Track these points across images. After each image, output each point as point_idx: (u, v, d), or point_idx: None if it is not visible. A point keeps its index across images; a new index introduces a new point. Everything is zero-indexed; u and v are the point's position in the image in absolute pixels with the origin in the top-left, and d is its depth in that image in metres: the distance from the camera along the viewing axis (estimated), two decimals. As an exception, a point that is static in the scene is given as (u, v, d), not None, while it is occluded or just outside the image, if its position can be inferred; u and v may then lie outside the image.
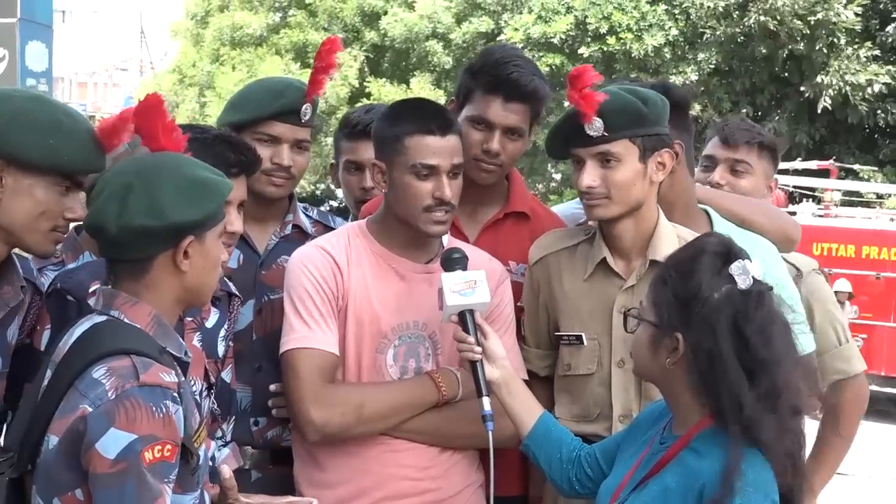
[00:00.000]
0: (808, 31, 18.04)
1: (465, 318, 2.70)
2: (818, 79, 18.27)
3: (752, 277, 2.27)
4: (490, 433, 2.65)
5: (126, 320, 2.21)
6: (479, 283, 2.70)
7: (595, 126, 2.80)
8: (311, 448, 2.88)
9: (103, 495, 2.04)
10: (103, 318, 2.22)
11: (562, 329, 3.01)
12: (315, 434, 2.80)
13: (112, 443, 2.03)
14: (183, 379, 2.23)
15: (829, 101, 18.15)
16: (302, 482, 2.94)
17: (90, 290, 2.54)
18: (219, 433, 2.86)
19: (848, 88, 18.01)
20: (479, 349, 2.67)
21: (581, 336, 2.95)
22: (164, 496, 2.06)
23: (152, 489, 2.04)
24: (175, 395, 2.11)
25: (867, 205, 16.72)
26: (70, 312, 2.53)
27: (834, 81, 18.00)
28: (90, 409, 2.06)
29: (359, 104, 9.96)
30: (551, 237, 3.11)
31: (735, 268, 2.26)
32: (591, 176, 2.84)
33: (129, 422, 2.04)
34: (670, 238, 2.89)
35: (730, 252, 2.31)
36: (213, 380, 2.78)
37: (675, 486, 2.26)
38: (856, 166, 18.63)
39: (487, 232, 3.23)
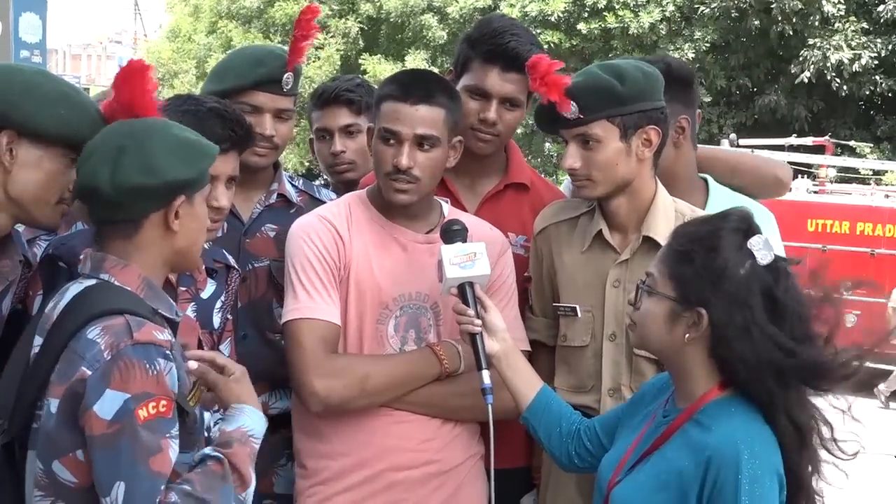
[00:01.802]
0: (802, 6, 18.02)
1: (464, 290, 2.69)
2: (802, 54, 18.28)
3: (774, 253, 2.27)
4: (489, 406, 2.65)
5: (116, 283, 2.23)
6: (479, 255, 2.69)
7: (571, 109, 2.79)
8: (313, 419, 2.88)
9: (101, 456, 2.06)
10: (93, 281, 2.24)
11: (560, 300, 3.01)
12: (318, 405, 2.80)
13: (108, 404, 2.06)
14: (174, 339, 2.25)
15: (811, 76, 18.17)
16: (303, 452, 2.94)
17: (81, 256, 2.55)
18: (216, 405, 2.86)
19: (829, 64, 18.03)
20: (478, 322, 2.66)
21: (576, 308, 2.96)
22: (164, 451, 2.07)
23: (149, 445, 2.05)
24: (168, 352, 2.13)
25: (863, 181, 16.71)
26: (62, 279, 2.53)
27: (818, 57, 18.02)
28: (89, 372, 2.09)
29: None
30: (555, 208, 3.11)
31: (755, 242, 2.26)
32: (572, 157, 2.84)
33: (124, 381, 2.06)
34: (667, 214, 2.88)
35: (749, 226, 2.30)
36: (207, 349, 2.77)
37: (679, 458, 2.26)
38: (851, 142, 18.63)
39: (487, 204, 3.23)
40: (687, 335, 2.29)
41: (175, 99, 2.86)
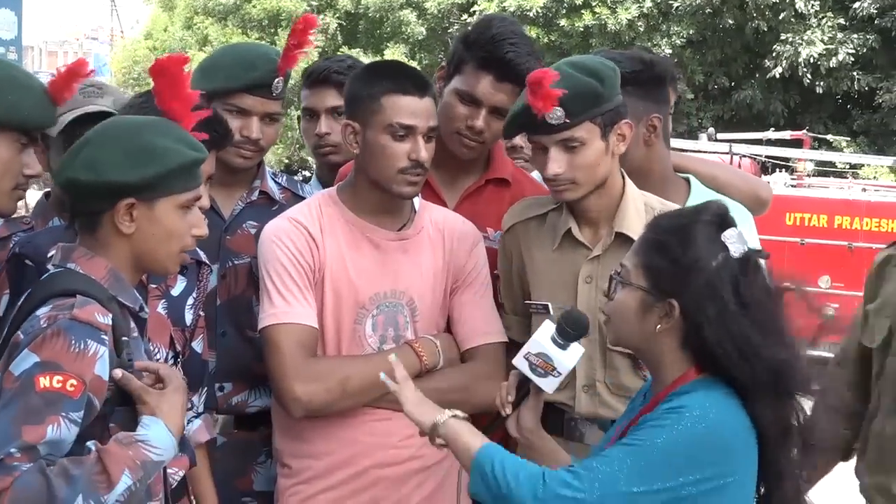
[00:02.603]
0: (775, 1, 18.10)
1: (525, 379, 2.48)
2: (775, 49, 18.35)
3: (746, 245, 2.27)
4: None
5: (82, 272, 2.22)
6: (557, 373, 2.44)
7: (556, 115, 2.74)
8: (295, 420, 2.86)
9: None
10: (60, 269, 2.24)
11: (532, 297, 2.99)
12: (300, 410, 2.78)
13: (20, 361, 2.05)
14: (136, 334, 2.25)
15: (783, 71, 18.24)
16: (284, 452, 2.93)
17: (49, 254, 2.53)
18: (189, 404, 2.84)
19: (801, 60, 18.11)
20: (508, 410, 2.48)
21: (548, 305, 2.93)
22: (44, 425, 2.00)
23: (32, 412, 2.00)
24: (103, 336, 2.10)
25: (840, 175, 16.79)
26: (28, 277, 2.50)
27: (790, 52, 18.10)
28: (21, 336, 2.09)
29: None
30: (522, 205, 3.09)
31: (728, 235, 2.27)
32: (557, 163, 2.79)
33: (41, 346, 2.04)
34: (637, 208, 2.87)
35: (724, 220, 2.31)
36: (178, 348, 2.75)
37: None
38: (829, 136, 18.71)
39: (468, 199, 3.20)
40: (658, 326, 2.29)
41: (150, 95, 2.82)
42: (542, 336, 2.43)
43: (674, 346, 2.29)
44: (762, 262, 2.30)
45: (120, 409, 2.19)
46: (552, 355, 2.41)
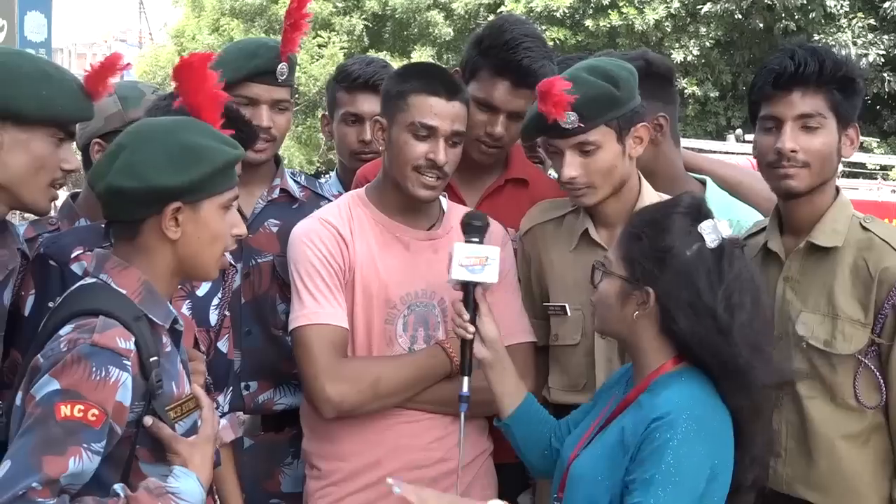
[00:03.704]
0: (804, 2, 17.97)
1: (467, 289, 2.66)
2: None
3: (721, 236, 2.32)
4: (462, 414, 2.66)
5: (113, 285, 2.18)
6: (490, 260, 2.65)
7: (570, 119, 2.74)
8: (324, 422, 2.85)
9: (19, 433, 1.99)
10: (93, 280, 2.20)
11: (550, 299, 3.00)
12: (332, 411, 2.77)
13: (41, 386, 2.01)
14: (170, 348, 2.21)
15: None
16: (314, 454, 2.92)
17: (73, 255, 2.53)
18: (214, 404, 2.83)
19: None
20: (471, 328, 2.64)
21: (565, 307, 2.94)
22: (65, 457, 1.96)
23: (53, 442, 1.96)
24: (126, 362, 2.05)
25: (870, 176, 16.65)
26: (53, 278, 2.51)
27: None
28: (41, 360, 2.05)
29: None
30: (540, 208, 3.09)
31: (704, 226, 2.32)
32: (572, 167, 2.80)
33: (59, 372, 2.00)
34: None
35: (700, 211, 2.37)
36: (202, 349, 2.73)
37: (631, 425, 2.31)
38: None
39: (487, 199, 3.20)
40: (636, 312, 2.35)
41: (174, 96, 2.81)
42: (458, 247, 2.63)
43: (653, 333, 2.36)
44: (740, 252, 2.35)
45: (145, 430, 2.14)
46: (477, 248, 2.63)
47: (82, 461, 1.98)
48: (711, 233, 2.32)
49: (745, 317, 2.29)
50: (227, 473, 2.86)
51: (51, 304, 2.42)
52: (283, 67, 3.13)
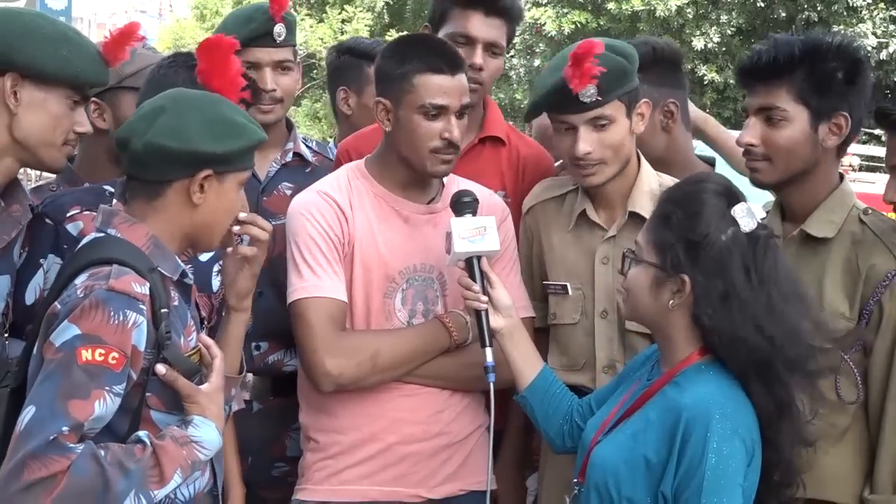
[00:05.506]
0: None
1: (472, 264, 2.66)
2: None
3: (757, 221, 2.27)
4: (492, 384, 2.65)
5: (122, 237, 2.23)
6: (488, 229, 2.66)
7: (588, 92, 2.74)
8: (321, 395, 2.84)
9: (40, 379, 2.04)
10: (101, 234, 2.25)
11: (550, 278, 3.00)
12: (330, 385, 2.77)
13: (61, 332, 2.06)
14: (178, 302, 2.27)
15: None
16: (311, 427, 2.92)
17: (68, 214, 2.58)
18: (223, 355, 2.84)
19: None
20: (484, 298, 2.64)
21: (566, 286, 2.94)
22: (90, 400, 2.02)
23: (77, 386, 2.02)
24: (141, 306, 2.11)
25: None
26: (45, 234, 2.55)
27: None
28: (59, 307, 2.10)
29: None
30: (541, 187, 3.10)
31: (738, 210, 2.26)
32: (587, 142, 2.79)
33: (78, 317, 2.05)
34: (651, 187, 2.87)
35: (731, 193, 2.31)
36: (203, 314, 2.73)
37: (656, 418, 2.28)
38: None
39: (465, 158, 3.13)
40: (671, 301, 2.30)
41: (180, 56, 2.81)
42: (455, 222, 2.66)
43: (685, 322, 2.30)
44: (775, 240, 2.30)
45: (155, 378, 2.19)
46: (472, 220, 2.66)
47: (106, 404, 2.05)
48: (745, 216, 2.26)
49: (783, 308, 2.24)
50: (227, 440, 2.87)
51: (42, 261, 2.47)
52: (280, 28, 3.17)
